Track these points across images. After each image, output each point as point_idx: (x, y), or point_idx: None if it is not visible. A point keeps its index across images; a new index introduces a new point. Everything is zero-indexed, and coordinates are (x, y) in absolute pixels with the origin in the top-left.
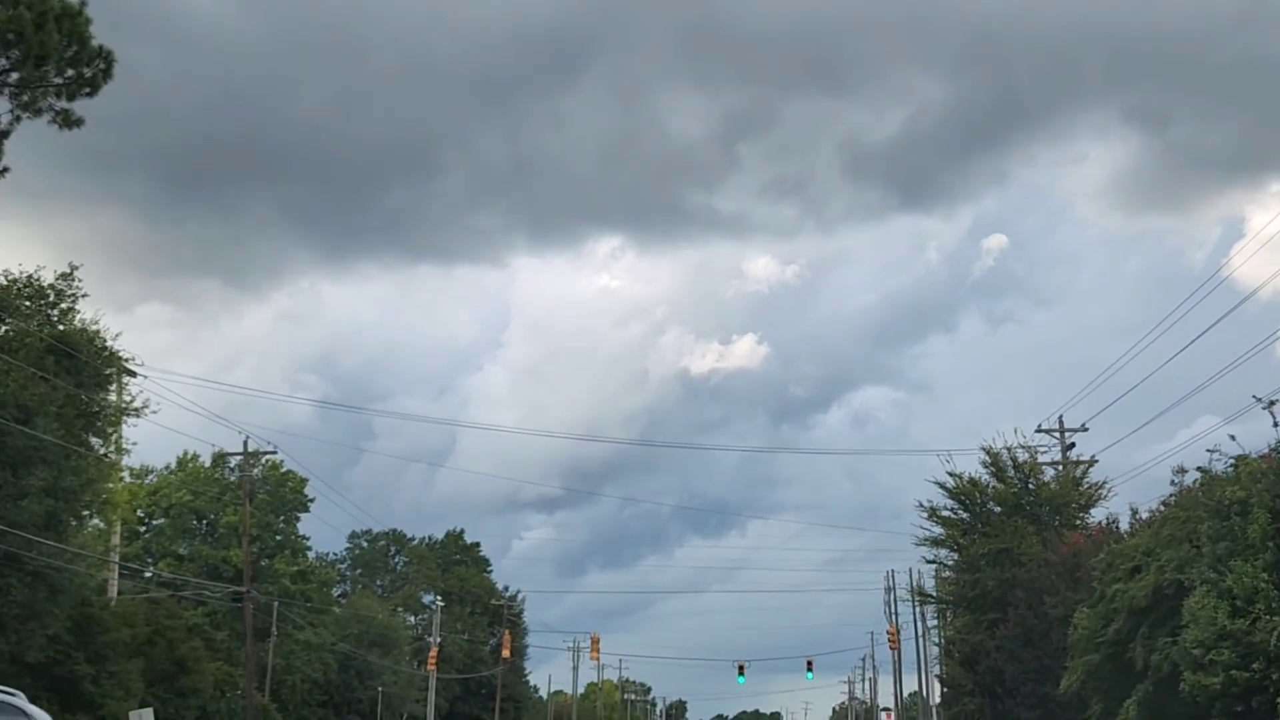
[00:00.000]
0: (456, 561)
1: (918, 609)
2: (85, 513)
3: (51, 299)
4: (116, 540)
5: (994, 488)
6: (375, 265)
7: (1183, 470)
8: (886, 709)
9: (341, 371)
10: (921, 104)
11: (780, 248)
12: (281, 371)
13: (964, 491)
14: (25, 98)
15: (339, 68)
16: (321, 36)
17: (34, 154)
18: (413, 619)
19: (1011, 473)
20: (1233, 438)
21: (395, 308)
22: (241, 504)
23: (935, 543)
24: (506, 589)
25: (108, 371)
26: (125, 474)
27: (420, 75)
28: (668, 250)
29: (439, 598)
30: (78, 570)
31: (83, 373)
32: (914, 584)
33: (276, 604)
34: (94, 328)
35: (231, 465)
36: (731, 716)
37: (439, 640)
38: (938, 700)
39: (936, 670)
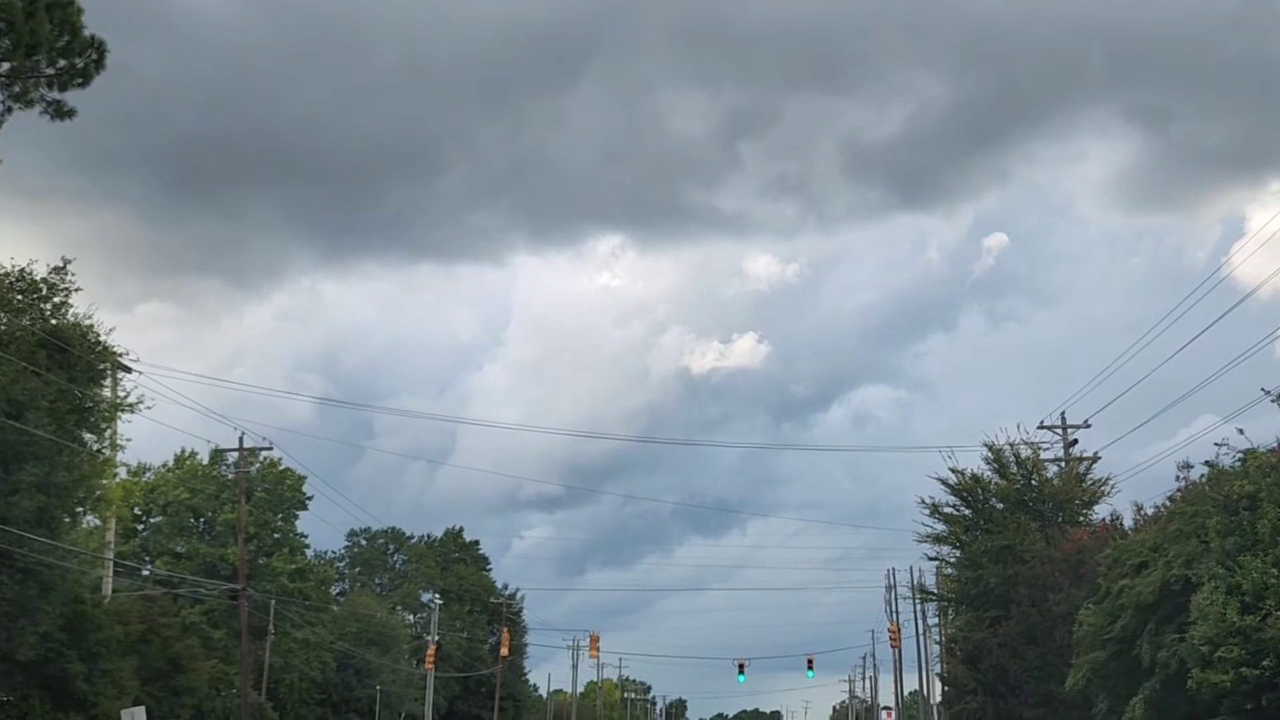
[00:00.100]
0: (455, 560)
1: (919, 606)
2: (79, 509)
3: (44, 293)
4: (111, 537)
5: (997, 484)
6: (376, 264)
7: (1188, 465)
8: (887, 708)
9: (342, 371)
10: (922, 102)
11: (781, 246)
12: (282, 370)
13: (966, 488)
14: (16, 88)
15: (339, 67)
16: (321, 36)
17: (34, 153)
18: (411, 617)
19: (1014, 469)
20: (1240, 431)
21: (396, 307)
22: (238, 501)
23: (937, 539)
24: (506, 587)
25: (101, 366)
26: (121, 470)
27: (421, 74)
28: (668, 249)
29: (437, 596)
30: (70, 567)
31: (75, 367)
32: (915, 581)
33: (274, 602)
34: (87, 322)
35: (229, 463)
36: (731, 715)
37: (437, 639)
38: (938, 699)
39: (937, 669)
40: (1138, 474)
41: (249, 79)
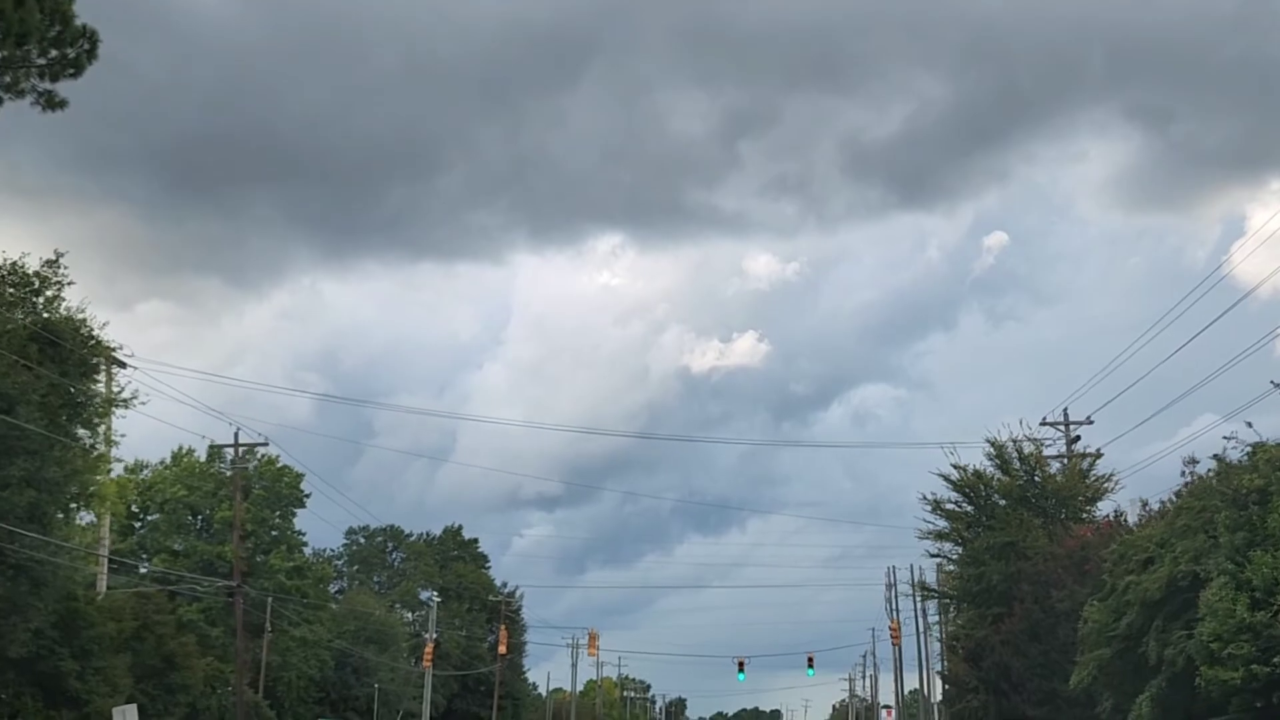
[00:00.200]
0: (454, 558)
1: (920, 604)
2: (72, 505)
3: (36, 286)
4: (105, 533)
5: (999, 480)
6: (376, 263)
7: (1194, 460)
8: (887, 706)
9: (342, 369)
10: (922, 102)
11: (781, 245)
12: (283, 370)
13: (968, 484)
14: (7, 78)
15: (339, 67)
16: (321, 36)
17: (35, 152)
18: (410, 615)
19: (1017, 465)
20: (1249, 424)
21: (396, 306)
22: (235, 498)
23: (939, 536)
24: (505, 585)
25: (94, 361)
26: (116, 466)
27: (421, 73)
28: (668, 248)
29: (436, 594)
30: (62, 564)
31: (68, 361)
32: (915, 579)
33: (271, 600)
34: (80, 316)
35: (226, 460)
36: (731, 714)
37: (436, 637)
38: (939, 697)
39: (938, 667)
40: (1138, 472)
41: (249, 79)
